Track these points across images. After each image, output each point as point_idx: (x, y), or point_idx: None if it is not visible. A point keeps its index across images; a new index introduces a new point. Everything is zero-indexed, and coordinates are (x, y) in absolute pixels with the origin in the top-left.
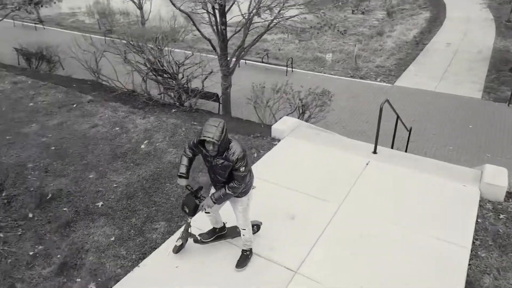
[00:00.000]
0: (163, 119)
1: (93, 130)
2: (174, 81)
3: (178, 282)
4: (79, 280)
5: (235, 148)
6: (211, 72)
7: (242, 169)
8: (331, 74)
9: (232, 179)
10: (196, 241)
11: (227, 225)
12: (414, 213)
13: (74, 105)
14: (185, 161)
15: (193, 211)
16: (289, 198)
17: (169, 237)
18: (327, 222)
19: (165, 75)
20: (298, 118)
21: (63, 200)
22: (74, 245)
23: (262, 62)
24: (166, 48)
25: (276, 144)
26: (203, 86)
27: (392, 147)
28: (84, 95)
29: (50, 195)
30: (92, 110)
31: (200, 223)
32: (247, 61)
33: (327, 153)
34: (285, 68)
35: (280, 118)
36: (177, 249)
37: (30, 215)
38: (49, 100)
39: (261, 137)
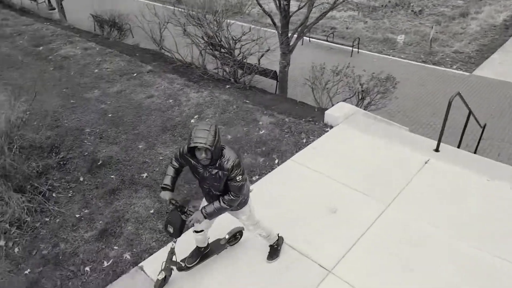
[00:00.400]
0: (216, 94)
1: (148, 100)
2: (230, 57)
3: (208, 266)
4: (116, 248)
5: (229, 155)
6: (268, 49)
7: (239, 178)
8: (401, 58)
9: (228, 190)
10: (180, 269)
11: (209, 240)
12: (476, 226)
13: (134, 74)
14: (171, 171)
15: (179, 230)
16: (334, 190)
17: None
18: (371, 221)
19: (222, 50)
20: (357, 104)
21: (112, 168)
22: (116, 213)
23: (327, 40)
24: (227, 20)
25: (328, 131)
26: (259, 63)
27: (459, 146)
28: (145, 65)
29: (100, 161)
30: (150, 81)
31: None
32: (311, 39)
33: (382, 146)
34: (350, 48)
35: (338, 102)
36: (160, 284)
37: (81, 179)
38: (113, 67)
39: (313, 121)
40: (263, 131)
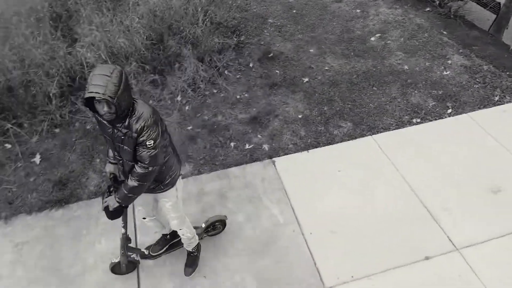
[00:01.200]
0: (410, 15)
1: (335, 5)
2: None
3: (328, 184)
4: (259, 137)
5: (141, 111)
6: None
7: (150, 143)
8: None
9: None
10: (144, 256)
11: None
12: None
13: None
14: None
15: (106, 212)
16: (508, 168)
17: (347, 140)
18: None
19: None
20: None
21: (280, 63)
22: (269, 106)
23: None
24: None
25: None
26: None
27: None
28: None
29: (272, 54)
30: None
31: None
32: None
33: None
34: None
35: None
36: (115, 268)
37: (251, 65)
38: None
39: None
40: (447, 72)
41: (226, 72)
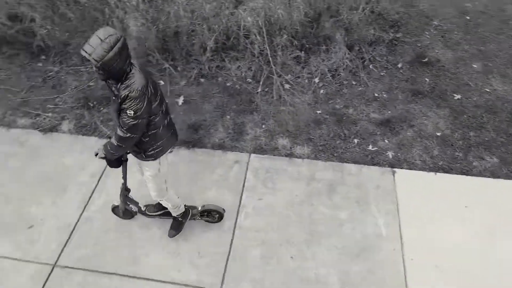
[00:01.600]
0: None
1: None
2: None
3: (449, 215)
4: (387, 141)
5: (133, 81)
6: None
7: (130, 112)
8: None
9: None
10: (140, 211)
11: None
12: None
13: None
14: None
15: (106, 160)
16: None
17: (488, 176)
18: None
19: None
20: None
21: (432, 71)
22: (406, 113)
23: None
24: None
25: None
26: None
27: None
28: None
29: (426, 59)
30: None
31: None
32: None
33: None
34: None
35: None
36: (114, 210)
37: (399, 65)
38: None
39: None
40: None
41: (371, 66)
